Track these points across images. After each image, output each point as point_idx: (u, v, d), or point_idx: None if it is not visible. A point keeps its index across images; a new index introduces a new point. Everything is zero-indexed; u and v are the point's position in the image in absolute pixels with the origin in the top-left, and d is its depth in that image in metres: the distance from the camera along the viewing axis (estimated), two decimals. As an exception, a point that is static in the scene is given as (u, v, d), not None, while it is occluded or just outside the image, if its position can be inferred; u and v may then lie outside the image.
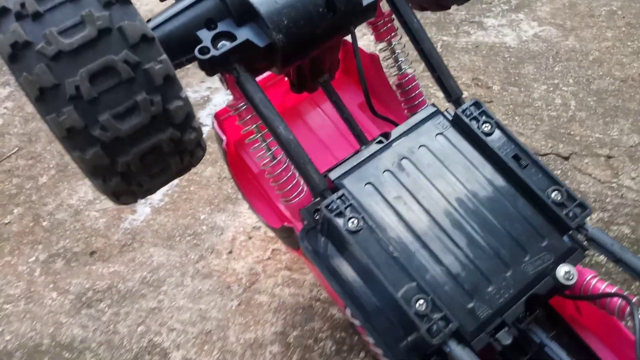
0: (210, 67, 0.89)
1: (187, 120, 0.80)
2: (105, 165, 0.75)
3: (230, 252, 1.75)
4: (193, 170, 2.03)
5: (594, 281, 1.00)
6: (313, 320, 1.55)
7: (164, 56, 0.73)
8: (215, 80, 2.37)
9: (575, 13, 2.52)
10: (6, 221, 1.97)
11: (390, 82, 1.44)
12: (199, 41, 0.86)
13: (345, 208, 0.86)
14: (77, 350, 1.59)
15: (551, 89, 2.14)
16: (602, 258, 1.61)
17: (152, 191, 0.89)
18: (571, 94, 2.11)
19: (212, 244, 1.78)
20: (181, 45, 0.87)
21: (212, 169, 2.02)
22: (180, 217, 1.89)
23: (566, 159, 1.90)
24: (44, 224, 1.95)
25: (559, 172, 1.85)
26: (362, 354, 1.46)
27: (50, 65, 0.68)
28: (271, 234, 1.77)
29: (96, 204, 1.99)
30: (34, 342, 1.61)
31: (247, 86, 0.91)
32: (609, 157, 1.88)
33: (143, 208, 1.94)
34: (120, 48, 0.70)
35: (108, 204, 1.97)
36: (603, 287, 0.97)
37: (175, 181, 2.00)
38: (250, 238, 1.78)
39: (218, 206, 1.90)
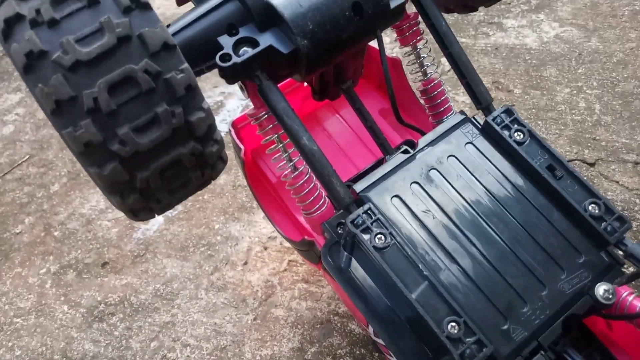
0: (231, 74, 0.85)
1: (209, 132, 0.76)
2: (123, 181, 0.71)
3: (246, 263, 1.70)
4: (206, 178, 1.99)
5: (630, 298, 0.95)
6: (332, 335, 1.49)
7: (186, 65, 0.70)
8: (228, 86, 2.33)
9: (598, 13, 2.44)
10: (17, 231, 1.94)
11: (413, 88, 1.39)
12: (220, 47, 0.81)
13: (372, 223, 0.82)
14: (89, 365, 1.54)
15: (574, 92, 2.07)
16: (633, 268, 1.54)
17: (170, 206, 0.85)
18: (595, 97, 2.03)
19: (227, 254, 1.74)
20: (202, 52, 0.83)
21: (226, 176, 1.97)
22: (194, 226, 1.84)
23: (592, 165, 1.83)
24: (56, 233, 1.92)
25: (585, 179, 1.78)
26: (383, 372, 1.40)
27: (67, 76, 0.64)
28: (287, 244, 1.72)
29: (108, 213, 1.95)
30: (45, 357, 1.57)
31: (270, 95, 0.86)
32: (636, 163, 1.81)
33: (156, 218, 1.89)
34: (140, 57, 0.66)
35: (120, 213, 1.93)
36: None
37: (188, 190, 1.96)
38: (265, 249, 1.73)
39: (233, 215, 1.85)
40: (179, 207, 1.90)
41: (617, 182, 1.77)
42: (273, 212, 1.36)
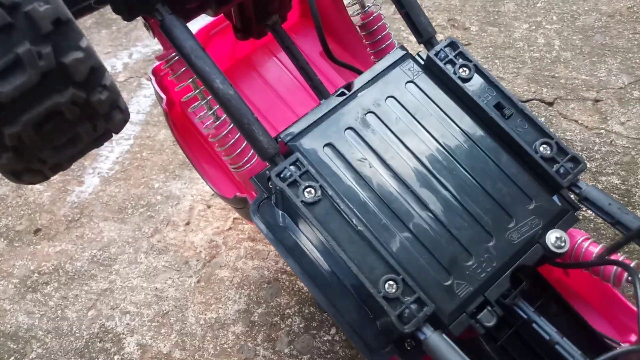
0: (126, 9, 0.72)
1: (93, 76, 0.64)
2: None
3: (188, 223, 1.59)
4: (145, 133, 1.84)
5: (586, 244, 0.91)
6: (279, 295, 1.41)
7: None
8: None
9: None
10: (-61, 199, 1.78)
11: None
12: None
13: (300, 176, 0.74)
14: (23, 339, 1.44)
15: (533, 27, 1.96)
16: (590, 212, 1.49)
17: (62, 167, 0.73)
18: (555, 33, 1.94)
19: (168, 215, 1.62)
20: None
21: (165, 131, 1.83)
22: (133, 186, 1.71)
23: (550, 104, 1.75)
24: (-17, 200, 1.77)
25: (542, 119, 1.70)
26: (332, 330, 1.34)
27: None
28: (231, 201, 1.61)
29: (39, 176, 1.80)
30: (-28, 334, 1.46)
31: (174, 32, 0.74)
32: (596, 100, 1.74)
33: (91, 178, 1.75)
34: None
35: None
36: (596, 250, 0.87)
37: (126, 147, 1.81)
38: (209, 207, 1.62)
39: (173, 173, 1.72)
40: (116, 167, 1.76)
41: (577, 121, 1.70)
42: (206, 167, 1.24)
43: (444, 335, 0.67)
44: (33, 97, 0.60)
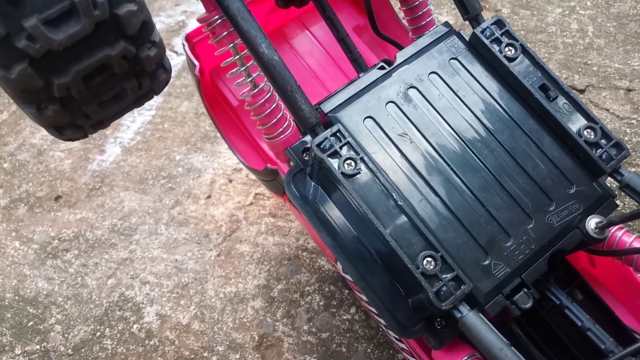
0: None
1: (144, 31, 0.64)
2: (37, 88, 0.59)
3: (209, 196, 1.58)
4: (167, 105, 1.83)
5: (619, 233, 0.89)
6: (299, 272, 1.40)
7: None
8: (191, 4, 2.12)
9: None
10: (-39, 163, 1.79)
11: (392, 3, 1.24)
12: None
13: (341, 147, 0.72)
14: (43, 305, 1.45)
15: (567, 12, 1.91)
16: (619, 202, 1.46)
17: (104, 124, 0.73)
18: (589, 19, 1.88)
19: (189, 187, 1.61)
20: None
21: (188, 103, 1.81)
22: (154, 157, 1.70)
23: (582, 92, 1.71)
24: (5, 165, 1.77)
25: (573, 106, 1.66)
26: (352, 309, 1.33)
27: None
28: (254, 176, 1.60)
29: (61, 143, 1.79)
30: (-7, 296, 1.47)
31: None
32: (629, 90, 1.69)
33: (112, 148, 1.75)
34: None
35: (74, 142, 1.78)
36: (630, 240, 0.85)
37: (148, 117, 1.80)
38: (230, 181, 1.61)
39: (195, 145, 1.71)
40: (137, 137, 1.75)
41: (608, 109, 1.66)
42: (234, 139, 1.22)
43: (480, 315, 0.66)
44: (85, 48, 0.59)
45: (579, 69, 1.75)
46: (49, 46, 0.56)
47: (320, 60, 1.32)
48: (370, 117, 0.78)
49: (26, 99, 0.61)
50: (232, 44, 0.82)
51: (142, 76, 0.69)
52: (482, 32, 0.83)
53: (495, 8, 1.95)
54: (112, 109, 0.70)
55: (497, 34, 0.83)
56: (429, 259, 0.67)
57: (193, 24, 2.08)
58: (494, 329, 0.64)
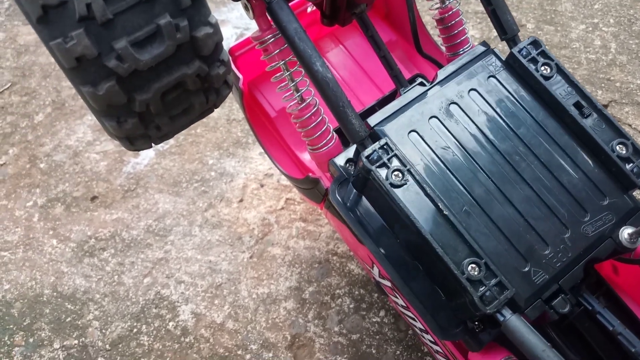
0: None
1: (216, 51, 0.70)
2: (121, 103, 0.65)
3: (241, 200, 1.64)
4: (200, 111, 1.89)
5: None
6: (330, 275, 1.45)
7: None
8: (220, 11, 2.19)
9: (618, -56, 2.29)
10: (1, 162, 1.85)
11: (424, 21, 1.29)
12: None
13: (389, 159, 0.77)
14: (80, 301, 1.51)
15: (590, 29, 1.96)
16: None
17: (169, 135, 0.79)
18: (612, 35, 1.93)
19: (222, 191, 1.67)
20: None
21: (220, 110, 1.88)
22: (187, 161, 1.76)
23: (605, 107, 1.75)
24: (41, 165, 1.83)
25: (596, 121, 1.70)
26: (382, 312, 1.38)
27: None
28: (285, 182, 1.65)
29: (96, 145, 1.86)
30: (34, 292, 1.53)
31: (280, 14, 0.78)
32: (650, 105, 1.74)
33: (146, 151, 1.81)
34: None
35: (109, 145, 1.84)
36: None
37: (181, 123, 1.86)
38: (262, 186, 1.66)
39: (227, 150, 1.77)
40: (171, 141, 1.82)
41: (630, 125, 1.70)
42: (273, 149, 1.28)
43: (522, 318, 0.70)
44: (165, 67, 0.64)
45: (602, 85, 1.80)
46: (136, 66, 0.61)
47: (354, 73, 1.37)
48: (414, 130, 0.83)
49: (109, 113, 0.66)
50: (283, 61, 0.87)
51: (210, 92, 0.74)
52: (519, 51, 0.88)
53: (520, 23, 2.00)
54: (180, 122, 0.76)
55: (534, 53, 0.88)
56: (473, 265, 0.72)
57: (224, 32, 2.14)
58: (535, 331, 0.68)
